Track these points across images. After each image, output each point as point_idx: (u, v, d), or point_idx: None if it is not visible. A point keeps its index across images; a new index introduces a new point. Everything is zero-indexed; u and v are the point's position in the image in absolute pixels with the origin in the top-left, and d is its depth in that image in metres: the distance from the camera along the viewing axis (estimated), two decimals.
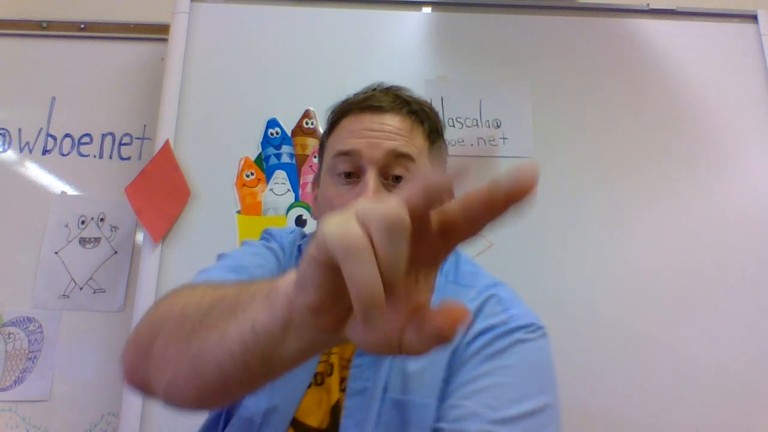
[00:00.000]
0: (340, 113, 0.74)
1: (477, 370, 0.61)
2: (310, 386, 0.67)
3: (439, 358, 0.64)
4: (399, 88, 0.76)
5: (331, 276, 0.31)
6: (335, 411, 0.66)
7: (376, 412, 0.63)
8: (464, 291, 0.71)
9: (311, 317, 0.33)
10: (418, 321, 0.31)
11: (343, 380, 0.68)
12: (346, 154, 0.69)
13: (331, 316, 0.33)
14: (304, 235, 0.82)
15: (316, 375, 0.68)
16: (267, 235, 0.81)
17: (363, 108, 0.72)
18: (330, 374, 0.69)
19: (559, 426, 0.61)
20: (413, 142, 0.71)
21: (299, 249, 0.77)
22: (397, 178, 0.68)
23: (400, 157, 0.68)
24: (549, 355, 0.66)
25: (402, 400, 0.64)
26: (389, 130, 0.70)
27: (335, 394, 0.67)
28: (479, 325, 0.65)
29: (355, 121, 0.71)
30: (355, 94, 0.76)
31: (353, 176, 0.69)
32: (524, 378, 0.61)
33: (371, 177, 0.67)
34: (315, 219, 0.81)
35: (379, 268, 0.29)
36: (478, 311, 0.67)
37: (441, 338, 0.30)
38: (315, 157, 1.16)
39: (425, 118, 0.74)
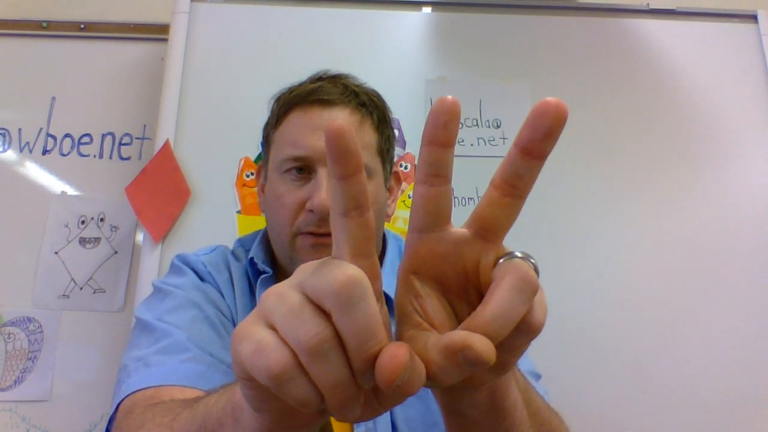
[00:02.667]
0: (287, 105, 0.72)
1: None
2: None
3: None
4: (346, 77, 0.75)
5: (274, 397, 0.27)
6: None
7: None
8: None
9: (284, 428, 0.31)
10: (445, 349, 0.27)
11: None
12: (298, 160, 0.68)
13: (304, 417, 0.31)
14: (235, 248, 0.78)
15: None
16: (185, 268, 0.73)
17: (312, 101, 0.70)
18: None
19: None
20: (362, 138, 0.69)
21: (251, 262, 0.73)
22: None
23: None
24: None
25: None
26: None
27: None
28: None
29: (304, 115, 0.69)
30: (300, 84, 0.73)
31: (304, 172, 0.68)
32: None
33: (323, 176, 0.66)
34: (262, 212, 0.79)
35: (348, 363, 0.25)
36: None
37: (478, 361, 0.25)
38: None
39: (374, 109, 0.72)
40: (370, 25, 1.26)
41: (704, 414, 1.06)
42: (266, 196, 0.74)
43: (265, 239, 0.76)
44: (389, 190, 0.76)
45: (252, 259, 0.73)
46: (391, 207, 0.75)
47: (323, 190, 0.65)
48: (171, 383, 0.57)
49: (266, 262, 0.73)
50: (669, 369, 1.08)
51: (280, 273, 0.74)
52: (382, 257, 0.74)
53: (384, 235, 0.78)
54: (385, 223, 0.78)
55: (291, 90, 0.73)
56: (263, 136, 0.77)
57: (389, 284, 0.62)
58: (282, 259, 0.71)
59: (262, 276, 0.71)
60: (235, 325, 0.69)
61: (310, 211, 0.65)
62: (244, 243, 0.78)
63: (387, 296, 0.62)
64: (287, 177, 0.69)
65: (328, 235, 0.63)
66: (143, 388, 0.56)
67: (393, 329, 0.61)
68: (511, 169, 0.31)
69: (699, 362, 1.08)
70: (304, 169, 0.68)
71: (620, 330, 1.10)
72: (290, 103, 0.71)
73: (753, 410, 1.06)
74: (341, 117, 0.68)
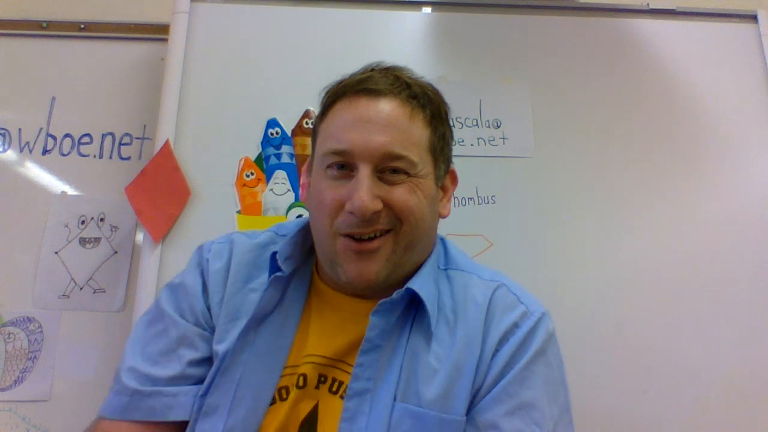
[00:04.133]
0: (334, 96, 0.68)
1: (510, 386, 0.61)
2: (273, 403, 0.64)
3: (463, 369, 0.62)
4: (400, 69, 0.70)
5: None
6: (309, 423, 0.63)
7: (385, 420, 0.60)
8: (466, 277, 0.70)
9: None
10: None
11: (324, 381, 0.64)
12: (339, 154, 0.64)
13: None
14: (275, 238, 0.75)
15: (279, 390, 0.64)
16: (191, 262, 0.73)
17: (358, 91, 0.66)
18: (302, 385, 0.64)
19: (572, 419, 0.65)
20: (411, 133, 0.65)
21: (273, 256, 0.69)
22: (395, 170, 0.63)
23: (395, 158, 0.63)
24: (562, 362, 0.67)
25: (424, 414, 0.60)
26: (384, 120, 0.63)
27: (308, 404, 0.64)
28: (501, 324, 0.64)
29: (349, 106, 0.65)
30: (351, 75, 0.70)
31: (346, 168, 0.64)
32: (550, 394, 0.63)
33: (364, 175, 0.62)
34: (305, 205, 0.78)
35: None
36: (492, 303, 0.66)
37: None
38: None
39: (427, 103, 0.68)
40: (370, 25, 1.26)
41: (705, 413, 1.06)
42: (310, 191, 0.70)
43: (303, 234, 0.72)
44: (443, 189, 0.72)
45: (275, 254, 0.69)
46: (446, 207, 0.72)
47: (363, 190, 0.61)
48: (106, 416, 0.64)
49: (292, 259, 0.70)
50: (670, 369, 1.08)
51: (318, 268, 0.72)
52: (425, 258, 0.70)
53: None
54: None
55: (341, 81, 0.69)
56: (312, 130, 0.74)
57: (423, 286, 0.63)
58: (323, 259, 0.68)
59: (276, 275, 0.67)
60: (203, 318, 0.68)
61: (351, 212, 0.62)
62: (279, 229, 0.75)
63: (419, 296, 0.63)
64: (328, 173, 0.65)
65: (372, 239, 0.63)
66: (100, 417, 0.65)
67: (432, 328, 0.63)
68: None
69: (700, 361, 1.08)
70: (346, 165, 0.64)
71: (620, 330, 1.10)
72: (337, 93, 0.68)
73: (754, 410, 1.06)
74: (389, 108, 0.64)
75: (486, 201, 1.17)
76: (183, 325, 0.67)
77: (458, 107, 1.22)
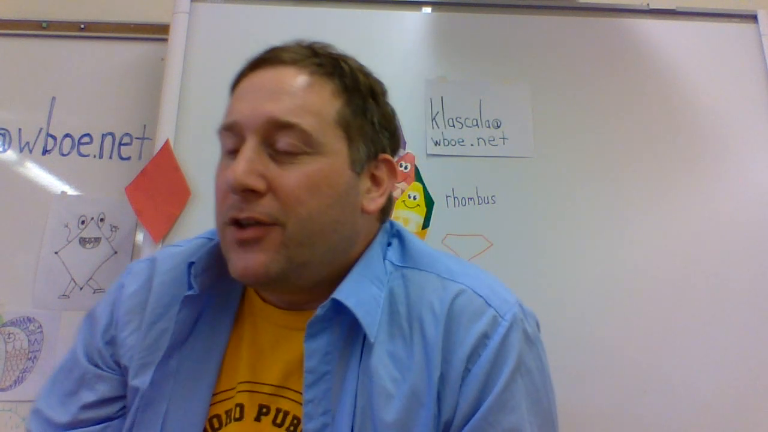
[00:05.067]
0: (237, 78, 0.62)
1: (490, 415, 0.51)
2: None
3: (422, 397, 0.52)
4: (323, 44, 0.62)
5: None
6: None
7: None
8: (423, 277, 0.59)
9: None
10: None
11: (267, 413, 0.56)
12: (227, 129, 0.56)
13: None
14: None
15: (210, 419, 0.57)
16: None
17: (254, 66, 0.60)
18: (239, 417, 0.56)
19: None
20: (307, 100, 0.55)
21: (189, 268, 0.60)
22: (288, 150, 0.54)
23: (284, 128, 0.53)
24: (544, 362, 0.58)
25: None
26: (274, 87, 0.55)
27: None
28: (467, 337, 0.54)
29: (244, 82, 0.59)
30: None
31: (236, 152, 0.55)
32: (531, 409, 0.54)
33: (247, 147, 0.53)
34: None
35: None
36: (452, 311, 0.55)
37: None
38: None
39: (338, 74, 0.58)
40: (370, 25, 1.26)
41: (705, 414, 1.06)
42: None
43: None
44: (374, 179, 0.61)
45: (192, 264, 0.59)
46: (375, 201, 0.60)
47: (240, 161, 0.52)
48: None
49: (210, 272, 0.60)
50: (670, 369, 1.08)
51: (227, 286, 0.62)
52: (355, 258, 0.60)
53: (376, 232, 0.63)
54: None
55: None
56: None
57: (351, 293, 0.55)
58: (226, 260, 0.57)
59: (186, 294, 0.58)
60: (100, 357, 0.62)
61: (231, 192, 0.53)
62: (215, 234, 0.63)
63: (344, 306, 0.54)
64: (224, 157, 0.58)
65: (254, 225, 0.53)
66: None
67: (371, 339, 0.54)
68: None
69: (699, 362, 1.08)
70: (236, 150, 0.55)
71: (621, 330, 1.10)
72: (238, 75, 0.61)
73: (754, 410, 1.06)
74: (281, 75, 0.56)
75: (486, 201, 1.17)
76: (83, 365, 0.61)
77: (458, 107, 1.22)
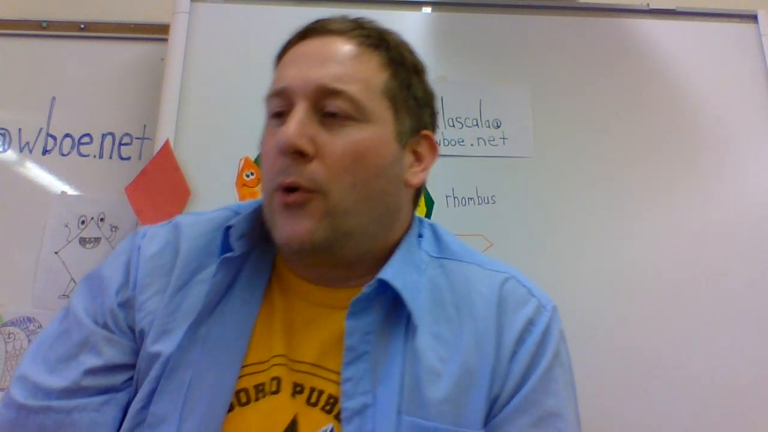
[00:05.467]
0: (281, 51, 0.63)
1: (533, 394, 0.55)
2: (231, 409, 0.53)
3: (476, 374, 0.54)
4: (364, 18, 0.63)
5: None
6: None
7: None
8: (466, 268, 0.62)
9: None
10: None
11: (301, 391, 0.55)
12: (276, 95, 0.57)
13: None
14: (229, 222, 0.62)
15: (238, 393, 0.54)
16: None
17: (301, 36, 0.61)
18: (275, 390, 0.55)
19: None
20: (356, 69, 0.56)
21: (226, 231, 0.59)
22: (335, 114, 0.55)
23: (332, 94, 0.54)
24: (568, 350, 0.62)
25: (436, 430, 0.52)
26: (323, 54, 0.57)
27: (283, 415, 0.54)
28: (516, 321, 0.57)
29: (292, 51, 0.60)
30: None
31: (284, 116, 0.56)
32: (569, 398, 0.58)
33: (297, 110, 0.54)
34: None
35: None
36: (502, 296, 0.59)
37: None
38: None
39: (384, 47, 0.60)
40: None
41: (705, 413, 1.06)
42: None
43: (261, 212, 0.63)
44: (415, 155, 0.62)
45: (229, 228, 0.59)
46: (418, 176, 0.61)
47: (292, 123, 0.53)
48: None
49: (247, 238, 0.60)
50: (670, 369, 1.08)
51: (268, 251, 0.62)
52: (395, 242, 0.61)
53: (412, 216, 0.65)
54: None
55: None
56: None
57: (397, 275, 0.54)
58: (268, 226, 0.58)
59: (225, 255, 0.58)
60: (112, 318, 0.57)
61: (280, 153, 0.53)
62: (239, 208, 0.65)
63: (391, 287, 0.55)
64: (271, 124, 0.58)
65: (297, 190, 0.53)
66: None
67: (416, 322, 0.55)
68: None
69: (700, 362, 1.08)
70: (284, 113, 0.56)
71: (621, 329, 1.10)
72: (284, 45, 0.62)
73: (754, 410, 1.06)
74: (330, 44, 0.58)
75: (486, 201, 1.17)
76: (87, 327, 0.56)
77: (458, 107, 1.22)
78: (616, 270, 1.13)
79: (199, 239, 0.61)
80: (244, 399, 0.54)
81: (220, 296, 0.58)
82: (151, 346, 0.55)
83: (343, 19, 0.61)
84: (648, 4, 1.31)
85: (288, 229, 0.54)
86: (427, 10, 1.29)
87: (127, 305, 0.58)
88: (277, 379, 0.55)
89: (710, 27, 1.30)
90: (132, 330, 0.57)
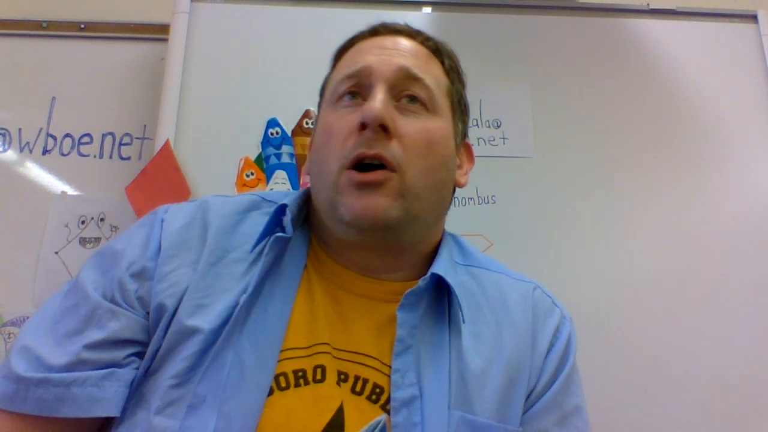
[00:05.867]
0: (347, 44, 0.66)
1: (558, 395, 0.61)
2: (270, 393, 0.52)
3: (519, 376, 0.58)
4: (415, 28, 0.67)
5: None
6: (334, 428, 0.51)
7: (444, 430, 0.52)
8: (495, 276, 0.66)
9: None
10: None
11: (345, 379, 0.54)
12: (354, 75, 0.58)
13: None
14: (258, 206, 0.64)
15: (277, 377, 0.53)
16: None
17: (373, 31, 0.65)
18: (320, 379, 0.54)
19: None
20: (430, 69, 0.61)
21: (282, 210, 0.60)
22: (412, 99, 0.58)
23: (413, 79, 0.58)
24: None
25: (486, 426, 0.54)
26: (403, 48, 0.61)
27: (329, 403, 0.53)
28: (546, 328, 0.63)
29: (363, 43, 0.63)
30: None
31: (358, 97, 0.58)
32: (583, 399, 0.64)
33: (379, 90, 0.56)
34: (306, 173, 0.67)
35: None
36: (534, 305, 0.64)
37: None
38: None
39: (445, 56, 0.65)
40: (371, 25, 1.26)
41: (705, 413, 1.06)
42: (313, 144, 0.63)
43: (303, 199, 0.64)
44: (460, 158, 0.66)
45: (284, 206, 0.60)
46: (464, 177, 0.65)
47: (376, 100, 0.55)
48: None
49: (293, 221, 0.60)
50: (670, 369, 1.08)
51: (320, 239, 0.63)
52: (437, 241, 0.65)
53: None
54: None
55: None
56: (320, 90, 0.68)
57: (448, 272, 0.60)
58: (324, 208, 0.58)
59: (277, 234, 0.57)
60: (121, 291, 0.55)
61: (361, 126, 0.55)
62: (266, 195, 0.66)
63: (439, 283, 0.58)
64: (339, 105, 0.59)
65: (378, 167, 0.54)
66: None
67: (463, 322, 0.59)
68: None
69: (700, 361, 1.08)
70: (358, 93, 0.58)
71: (621, 329, 1.10)
72: (350, 40, 0.65)
73: (754, 409, 1.06)
74: (407, 42, 0.62)
75: (486, 201, 1.17)
76: (94, 299, 0.54)
77: None
78: (616, 270, 1.13)
79: (229, 218, 0.61)
80: (283, 383, 0.53)
81: (263, 279, 0.57)
82: (187, 320, 0.53)
83: (405, 25, 0.66)
84: (648, 4, 1.31)
85: (361, 204, 0.54)
86: (427, 10, 1.29)
87: (142, 276, 0.56)
88: (322, 368, 0.54)
89: (710, 27, 1.30)
90: (143, 303, 0.55)
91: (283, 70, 1.22)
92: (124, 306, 0.55)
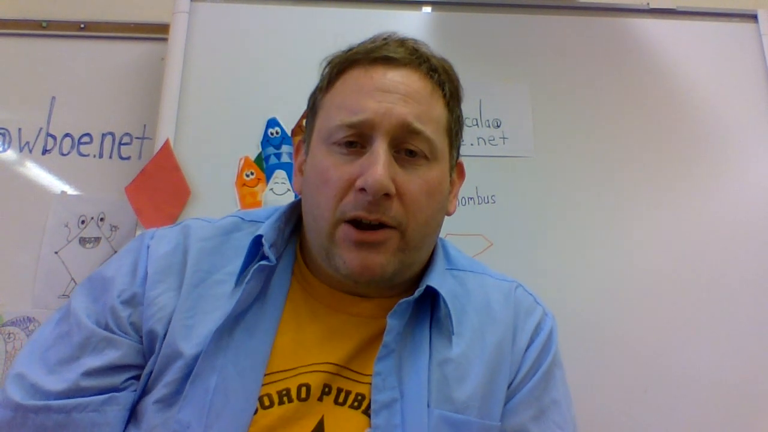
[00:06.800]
0: (342, 65, 0.61)
1: (535, 389, 0.61)
2: (255, 413, 0.53)
3: (499, 373, 0.60)
4: (416, 41, 0.63)
5: None
6: None
7: (423, 430, 0.54)
8: (479, 278, 0.67)
9: None
10: None
11: (328, 392, 0.56)
12: (352, 126, 0.56)
13: None
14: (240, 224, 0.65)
15: (261, 398, 0.54)
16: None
17: (373, 60, 0.59)
18: (304, 397, 0.55)
19: None
20: (431, 112, 0.59)
21: (258, 241, 0.60)
22: (411, 153, 0.57)
23: (414, 133, 0.56)
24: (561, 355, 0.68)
25: (465, 422, 0.56)
26: (405, 91, 0.57)
27: (310, 419, 0.54)
28: (527, 326, 0.64)
29: (364, 75, 0.58)
30: (360, 43, 0.62)
31: (356, 146, 0.56)
32: (566, 397, 0.64)
33: (381, 148, 0.54)
34: (296, 192, 0.66)
35: None
36: (516, 304, 0.65)
37: None
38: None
39: (446, 80, 0.62)
40: (370, 24, 1.25)
41: (705, 413, 1.06)
42: (306, 174, 0.61)
43: (284, 219, 0.64)
44: (451, 183, 0.65)
45: (260, 237, 0.59)
46: (452, 203, 0.65)
47: (380, 164, 0.53)
48: None
49: (275, 248, 0.61)
50: (670, 368, 1.08)
51: (306, 260, 0.63)
52: (432, 256, 0.65)
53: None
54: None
55: (349, 49, 0.62)
56: (309, 104, 0.66)
57: (441, 283, 0.62)
58: (318, 249, 0.59)
59: (261, 263, 0.58)
60: (114, 319, 0.56)
61: (361, 190, 0.54)
62: (246, 215, 0.66)
63: (437, 292, 0.58)
64: (335, 150, 0.57)
65: (377, 227, 0.55)
66: None
67: (453, 327, 0.61)
68: None
69: (700, 361, 1.08)
70: (357, 142, 0.56)
71: (620, 330, 1.10)
72: (348, 61, 0.60)
73: (755, 410, 1.06)
74: (409, 80, 0.58)
75: (486, 201, 1.17)
76: (87, 327, 0.55)
77: None
78: (616, 269, 1.13)
79: (209, 241, 0.62)
80: (267, 403, 0.54)
81: (249, 304, 0.58)
82: (175, 342, 0.55)
83: (404, 48, 0.61)
84: (648, 4, 1.31)
85: (359, 262, 0.55)
86: (427, 9, 1.29)
87: (132, 302, 0.57)
88: (307, 386, 0.55)
89: (710, 26, 1.30)
90: (135, 328, 0.57)
91: (283, 69, 1.22)
92: (118, 333, 0.56)
